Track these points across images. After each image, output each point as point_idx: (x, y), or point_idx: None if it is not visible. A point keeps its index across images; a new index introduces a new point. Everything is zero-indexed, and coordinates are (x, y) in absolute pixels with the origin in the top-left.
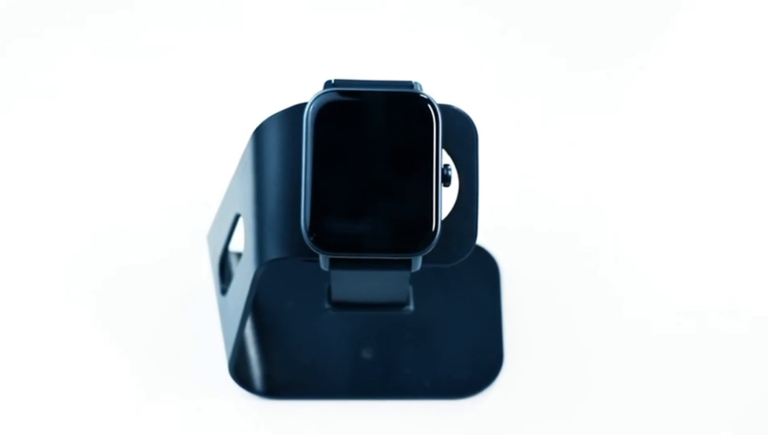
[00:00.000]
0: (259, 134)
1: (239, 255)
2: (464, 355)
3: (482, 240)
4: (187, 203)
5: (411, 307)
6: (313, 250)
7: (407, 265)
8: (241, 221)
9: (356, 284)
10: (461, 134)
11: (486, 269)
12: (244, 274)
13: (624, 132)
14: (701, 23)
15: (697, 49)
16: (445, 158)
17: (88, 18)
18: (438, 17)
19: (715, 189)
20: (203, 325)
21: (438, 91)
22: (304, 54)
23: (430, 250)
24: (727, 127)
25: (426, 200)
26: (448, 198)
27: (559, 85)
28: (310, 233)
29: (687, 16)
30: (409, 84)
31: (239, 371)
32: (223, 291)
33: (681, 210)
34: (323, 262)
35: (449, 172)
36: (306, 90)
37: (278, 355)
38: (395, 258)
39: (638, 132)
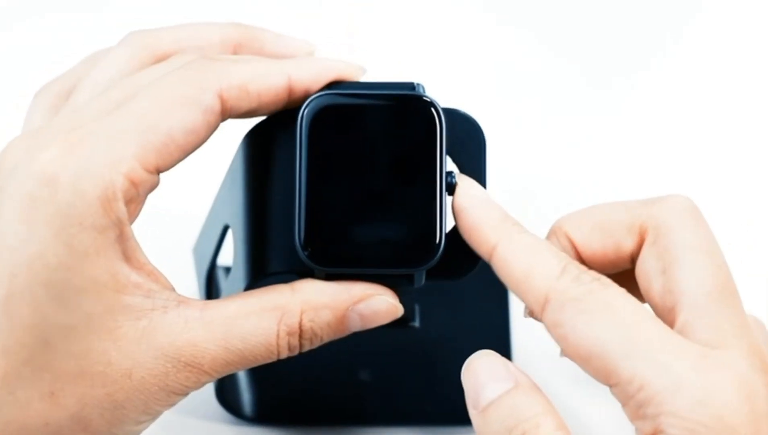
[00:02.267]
0: (249, 139)
1: (228, 269)
2: None
3: None
4: (171, 213)
5: (416, 323)
6: (308, 264)
7: (409, 280)
8: (229, 233)
9: None
10: (467, 139)
11: (494, 285)
12: (233, 290)
13: (625, 133)
14: (704, 25)
15: (699, 50)
16: (450, 165)
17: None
18: (440, 15)
19: (717, 190)
20: None
21: (442, 93)
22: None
23: (433, 264)
24: (729, 128)
25: (429, 211)
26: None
27: (560, 85)
28: (304, 247)
29: (689, 18)
30: (411, 85)
31: (226, 396)
32: None
33: None
34: (319, 277)
35: (453, 180)
36: None
37: (268, 377)
38: (397, 273)
39: (639, 133)
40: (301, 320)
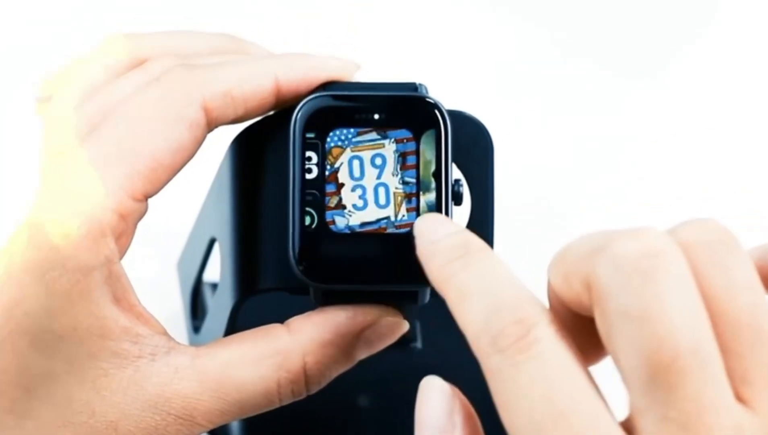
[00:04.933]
0: (237, 145)
1: (215, 286)
2: (478, 402)
3: None
4: (153, 225)
5: (419, 344)
6: (304, 281)
7: (413, 298)
8: (216, 247)
9: None
10: (472, 144)
11: None
12: (220, 308)
13: (629, 136)
14: (713, 27)
15: (704, 52)
16: (456, 172)
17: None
18: (441, 13)
19: (723, 192)
20: None
21: (445, 93)
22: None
23: None
24: (733, 130)
25: None
26: (459, 218)
27: (565, 85)
28: (299, 262)
29: (696, 19)
30: (413, 86)
31: None
32: (196, 329)
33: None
34: (315, 295)
35: (460, 189)
36: None
37: None
38: (400, 290)
39: (643, 135)
40: (305, 364)
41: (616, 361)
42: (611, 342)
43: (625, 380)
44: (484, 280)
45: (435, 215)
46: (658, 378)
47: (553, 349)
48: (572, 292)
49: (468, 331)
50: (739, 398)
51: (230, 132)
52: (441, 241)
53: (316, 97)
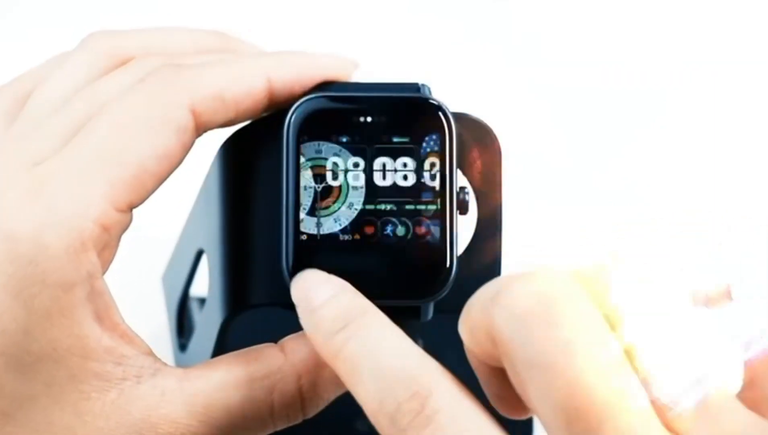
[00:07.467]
0: (226, 150)
1: (202, 301)
2: None
3: None
4: (137, 236)
5: None
6: None
7: (416, 313)
8: (204, 259)
9: None
10: (480, 149)
11: None
12: (208, 325)
13: (641, 137)
14: (722, 38)
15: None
16: (461, 179)
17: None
18: (446, 8)
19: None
20: None
21: (451, 95)
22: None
23: (443, 294)
24: (743, 136)
25: (438, 233)
26: (464, 228)
27: (574, 85)
28: (293, 275)
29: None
30: (416, 87)
31: None
32: (182, 347)
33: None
34: None
35: (466, 197)
36: None
37: None
38: (401, 305)
39: (653, 136)
40: (300, 386)
41: (534, 412)
42: (525, 393)
43: (546, 430)
44: (370, 352)
45: (308, 275)
46: (577, 425)
47: (453, 417)
48: (481, 348)
49: (366, 409)
50: (671, 430)
51: (219, 136)
52: (320, 309)
53: (311, 99)
